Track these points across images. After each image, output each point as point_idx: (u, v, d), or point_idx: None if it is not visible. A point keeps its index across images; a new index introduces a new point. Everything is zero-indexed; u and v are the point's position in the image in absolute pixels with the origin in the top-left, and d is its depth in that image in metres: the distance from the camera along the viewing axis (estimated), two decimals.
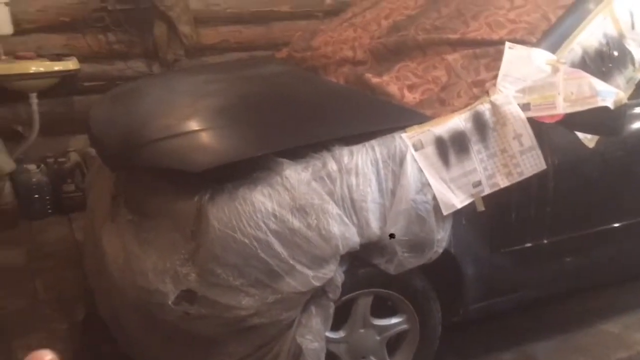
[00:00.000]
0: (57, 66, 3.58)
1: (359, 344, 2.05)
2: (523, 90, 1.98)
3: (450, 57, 2.15)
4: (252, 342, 1.78)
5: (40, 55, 3.64)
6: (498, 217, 2.04)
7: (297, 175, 1.76)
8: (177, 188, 1.82)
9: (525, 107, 1.97)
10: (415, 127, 1.92)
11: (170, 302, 1.71)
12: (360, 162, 1.82)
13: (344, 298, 1.90)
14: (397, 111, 2.06)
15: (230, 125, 2.07)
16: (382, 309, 2.06)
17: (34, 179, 3.58)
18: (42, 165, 3.69)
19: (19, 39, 3.65)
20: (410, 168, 1.85)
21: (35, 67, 3.55)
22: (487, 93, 1.99)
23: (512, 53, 2.05)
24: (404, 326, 2.10)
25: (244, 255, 1.69)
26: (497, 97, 1.96)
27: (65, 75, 3.64)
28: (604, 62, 2.17)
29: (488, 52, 2.09)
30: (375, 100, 2.16)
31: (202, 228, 1.71)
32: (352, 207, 1.79)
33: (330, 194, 1.77)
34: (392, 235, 1.81)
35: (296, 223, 1.72)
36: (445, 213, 1.88)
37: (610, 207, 2.33)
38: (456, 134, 1.92)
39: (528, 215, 2.10)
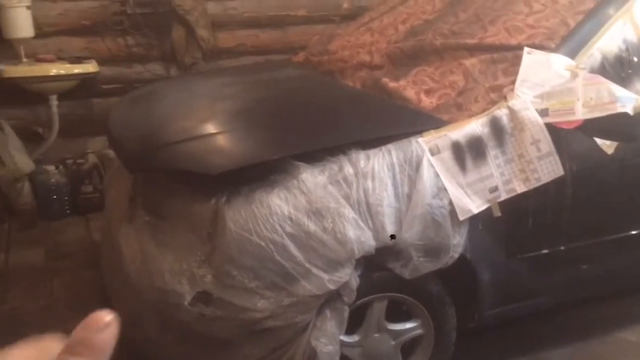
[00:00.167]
0: (77, 69, 3.63)
1: (373, 348, 2.04)
2: (541, 96, 1.97)
3: (467, 62, 2.14)
4: (267, 345, 1.79)
5: (60, 58, 3.69)
6: (515, 223, 2.03)
7: (313, 179, 1.76)
8: (194, 190, 1.84)
9: (543, 112, 1.95)
10: (432, 131, 1.92)
11: (186, 303, 1.72)
12: (377, 166, 1.82)
13: (358, 302, 1.90)
14: (414, 116, 2.06)
15: (247, 129, 2.08)
16: (397, 313, 2.06)
17: (52, 180, 3.62)
18: (61, 167, 3.73)
19: (40, 42, 3.70)
20: (426, 173, 1.85)
21: (56, 69, 3.60)
22: (504, 98, 1.98)
23: (530, 58, 2.04)
24: (419, 331, 2.10)
25: (260, 257, 1.69)
26: (514, 103, 1.95)
27: (85, 78, 3.69)
28: (623, 67, 2.15)
29: (506, 57, 2.09)
30: (391, 105, 2.16)
31: (219, 230, 1.72)
32: (368, 211, 1.79)
33: (347, 198, 1.78)
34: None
35: (312, 226, 1.72)
36: (461, 218, 1.88)
37: (628, 214, 2.30)
38: (473, 139, 1.91)
39: (545, 222, 2.09)
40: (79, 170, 3.73)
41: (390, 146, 1.86)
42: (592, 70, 2.07)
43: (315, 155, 1.83)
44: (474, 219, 1.92)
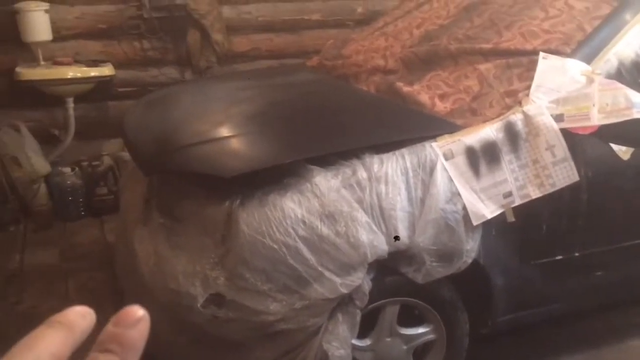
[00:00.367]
0: (94, 72, 3.67)
1: (385, 352, 2.04)
2: (557, 101, 1.96)
3: (482, 67, 2.14)
4: (279, 347, 1.79)
5: (77, 61, 3.72)
6: (529, 228, 2.02)
7: (326, 183, 1.77)
8: (208, 193, 1.85)
9: (558, 118, 1.94)
10: (446, 136, 1.92)
11: (199, 305, 1.73)
12: (390, 170, 1.82)
13: (371, 306, 1.90)
14: (428, 120, 2.06)
15: (261, 132, 2.09)
16: (409, 318, 2.05)
17: (68, 182, 3.65)
18: (77, 169, 3.76)
19: (58, 45, 3.75)
20: (440, 177, 1.85)
21: (73, 72, 3.64)
22: (519, 103, 1.98)
23: (546, 63, 2.03)
24: (431, 336, 2.09)
25: (273, 260, 1.70)
26: (529, 108, 1.94)
27: (101, 81, 3.72)
28: None
29: (521, 62, 2.08)
30: (405, 109, 2.16)
31: (232, 233, 1.73)
32: (381, 215, 1.79)
33: (360, 202, 1.78)
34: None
35: (325, 230, 1.73)
36: (475, 223, 1.87)
37: None
38: (487, 144, 1.91)
39: (559, 228, 2.07)
40: (94, 173, 3.76)
41: (404, 150, 1.86)
42: (609, 76, 2.06)
43: (329, 159, 1.83)
44: (487, 224, 1.91)
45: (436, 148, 1.88)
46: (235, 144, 2.02)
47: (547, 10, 2.26)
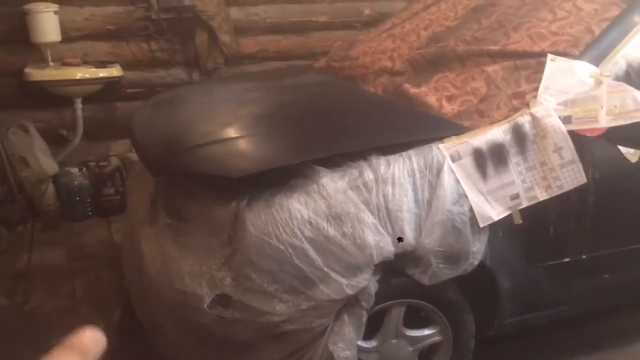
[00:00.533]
0: (102, 73, 3.69)
1: (391, 354, 2.04)
2: (565, 103, 1.96)
3: (490, 69, 2.14)
4: (285, 348, 1.79)
5: (86, 62, 3.74)
6: (536, 230, 2.01)
7: (333, 184, 1.77)
8: (215, 193, 1.85)
9: (566, 120, 1.94)
10: (453, 138, 1.91)
11: (205, 306, 1.73)
12: (397, 172, 1.82)
13: (376, 307, 1.90)
14: (435, 122, 2.06)
15: (268, 133, 2.10)
16: (415, 319, 2.05)
17: (75, 182, 3.67)
18: (84, 169, 3.78)
19: (67, 46, 3.77)
20: (447, 179, 1.84)
21: (81, 73, 3.66)
22: (527, 105, 1.97)
23: (554, 65, 2.03)
24: (437, 338, 2.09)
25: (279, 261, 1.70)
26: (537, 110, 1.94)
27: (109, 82, 3.74)
28: None
29: (529, 64, 2.07)
30: (412, 111, 2.16)
31: (239, 233, 1.73)
32: (388, 217, 1.79)
33: (366, 203, 1.78)
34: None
35: (331, 231, 1.73)
36: (481, 225, 1.87)
37: None
38: (495, 146, 1.90)
39: (567, 230, 2.06)
40: (101, 173, 3.78)
41: (411, 152, 1.86)
42: (617, 78, 2.05)
43: (336, 161, 1.84)
44: (494, 226, 1.90)
45: (443, 150, 1.88)
46: (243, 144, 2.02)
47: (555, 12, 2.25)
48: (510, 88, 2.05)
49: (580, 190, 1.97)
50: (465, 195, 1.86)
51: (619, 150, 2.06)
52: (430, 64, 2.35)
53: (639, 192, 2.16)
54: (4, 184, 3.52)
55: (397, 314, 1.99)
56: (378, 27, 3.09)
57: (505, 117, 1.97)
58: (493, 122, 1.96)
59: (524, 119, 1.94)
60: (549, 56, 2.05)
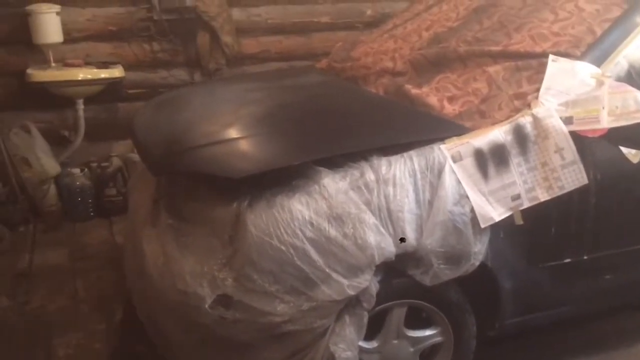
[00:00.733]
0: (104, 73, 3.70)
1: (392, 354, 2.04)
2: (566, 104, 1.96)
3: (491, 69, 2.14)
4: (286, 349, 1.79)
5: (87, 63, 3.76)
6: (537, 231, 2.01)
7: (334, 184, 1.77)
8: (216, 194, 1.85)
9: (567, 120, 1.94)
10: (454, 138, 1.92)
11: (206, 306, 1.73)
12: (398, 172, 1.82)
13: (378, 308, 1.90)
14: (436, 122, 2.06)
15: (269, 134, 2.10)
16: (416, 320, 2.05)
17: (77, 183, 3.68)
18: (86, 170, 3.79)
19: (69, 47, 3.78)
20: (448, 179, 1.84)
21: (83, 74, 3.67)
22: (528, 106, 1.97)
23: (555, 66, 2.03)
24: (438, 338, 2.09)
25: (280, 262, 1.70)
26: (538, 110, 1.94)
27: (111, 83, 3.75)
28: None
29: (530, 65, 2.07)
30: (414, 112, 2.16)
31: (240, 234, 1.73)
32: (389, 217, 1.79)
33: (367, 204, 1.78)
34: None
35: (332, 232, 1.73)
36: (483, 226, 1.87)
37: None
38: (496, 147, 1.90)
39: (568, 231, 2.06)
40: (103, 174, 3.79)
41: (412, 152, 1.86)
42: (619, 79, 2.05)
43: (337, 161, 1.84)
44: (495, 227, 1.90)
45: (444, 150, 1.88)
46: (244, 145, 2.03)
47: (556, 12, 2.25)
48: (512, 89, 2.05)
49: (581, 191, 1.96)
50: (467, 196, 1.86)
51: (620, 151, 2.06)
52: (432, 64, 2.35)
53: None
54: (6, 184, 3.53)
55: (399, 314, 1.99)
56: (380, 28, 3.09)
57: (507, 118, 1.97)
58: (494, 123, 1.96)
59: (525, 120, 1.94)
60: (551, 57, 2.05)
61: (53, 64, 3.69)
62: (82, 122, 3.79)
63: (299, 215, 1.72)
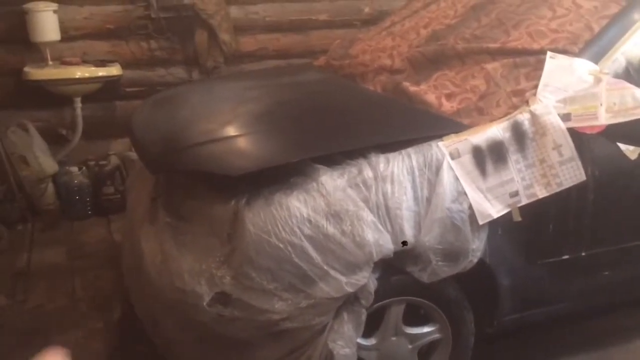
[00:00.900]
0: (101, 72, 3.69)
1: (390, 351, 2.04)
2: (564, 101, 1.96)
3: (489, 66, 2.14)
4: (284, 346, 1.79)
5: (85, 61, 3.75)
6: (535, 228, 2.01)
7: (332, 182, 1.77)
8: (214, 192, 1.85)
9: (565, 117, 1.94)
10: (453, 135, 1.92)
11: (204, 304, 1.73)
12: (396, 169, 1.82)
13: (376, 305, 1.90)
14: (434, 120, 2.06)
15: (267, 131, 2.09)
16: (414, 317, 2.05)
17: (75, 181, 3.68)
18: (84, 168, 3.79)
19: (66, 45, 3.77)
20: (446, 176, 1.84)
21: (81, 72, 3.66)
22: (526, 103, 1.97)
23: (553, 63, 2.03)
24: (437, 335, 2.09)
25: (279, 259, 1.70)
26: (536, 107, 1.94)
27: (109, 81, 3.75)
28: None
29: (528, 62, 2.07)
30: (412, 109, 2.16)
31: (238, 232, 1.73)
32: (387, 215, 1.79)
33: (365, 201, 1.78)
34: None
35: (330, 229, 1.73)
36: (481, 223, 1.87)
37: None
38: (494, 144, 1.90)
39: (566, 227, 2.06)
40: (101, 172, 3.78)
41: (410, 150, 1.86)
42: (616, 75, 2.05)
43: (335, 159, 1.84)
44: (493, 224, 1.91)
45: (442, 147, 1.88)
46: (242, 143, 2.02)
47: (554, 9, 2.25)
48: (510, 86, 2.05)
49: (579, 188, 1.97)
50: (465, 193, 1.86)
51: (618, 148, 2.07)
52: (430, 62, 2.34)
53: (638, 189, 2.16)
54: (3, 183, 3.53)
55: (397, 311, 1.99)
56: (378, 25, 3.09)
57: (505, 115, 1.97)
58: (492, 120, 1.96)
59: (523, 117, 1.94)
60: (549, 54, 2.05)
61: (50, 62, 3.68)
62: (79, 121, 3.79)
63: (297, 212, 1.72)
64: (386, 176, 1.81)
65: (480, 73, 2.15)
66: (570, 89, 1.98)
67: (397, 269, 1.88)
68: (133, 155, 3.49)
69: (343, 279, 1.73)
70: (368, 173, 1.81)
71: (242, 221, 1.72)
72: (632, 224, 2.22)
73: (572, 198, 2.01)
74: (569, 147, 1.92)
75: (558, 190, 1.93)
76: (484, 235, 1.90)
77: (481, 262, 1.93)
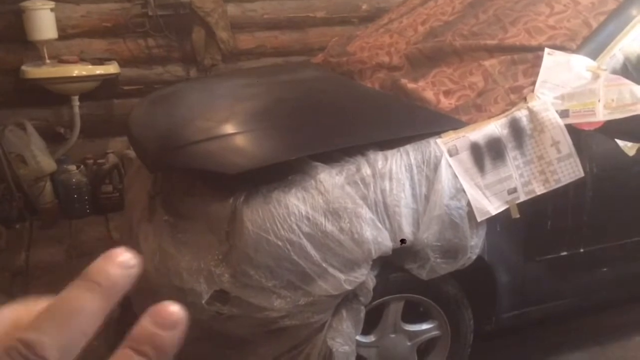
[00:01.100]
0: (99, 70, 3.68)
1: (389, 348, 2.04)
2: (562, 97, 1.96)
3: (487, 63, 2.13)
4: (283, 344, 1.79)
5: (82, 59, 3.74)
6: (533, 224, 2.01)
7: (331, 179, 1.77)
8: (212, 190, 1.85)
9: (563, 113, 1.94)
10: (451, 132, 1.91)
11: (203, 302, 1.73)
12: (395, 167, 1.82)
13: (375, 302, 1.90)
14: (433, 117, 2.05)
15: (265, 129, 2.09)
16: (413, 314, 2.05)
17: (73, 180, 3.67)
18: (82, 166, 3.78)
19: (63, 44, 3.76)
20: (444, 173, 1.84)
21: (78, 70, 3.65)
22: (524, 99, 1.97)
23: (551, 59, 2.03)
24: (435, 332, 2.09)
25: (277, 257, 1.70)
26: (534, 104, 1.94)
27: (106, 79, 3.73)
28: None
29: (526, 58, 2.07)
30: (410, 106, 2.16)
31: (237, 230, 1.73)
32: (385, 212, 1.79)
33: (364, 198, 1.78)
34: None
35: (329, 226, 1.73)
36: (479, 219, 1.87)
37: None
38: (492, 140, 1.90)
39: (564, 224, 2.07)
40: (99, 170, 3.77)
41: (409, 147, 1.86)
42: (614, 72, 2.05)
43: (333, 156, 1.83)
44: (492, 221, 1.90)
45: (440, 144, 1.88)
46: (240, 141, 2.02)
47: (552, 6, 2.25)
48: (508, 82, 2.05)
49: (577, 184, 1.97)
50: (463, 190, 1.86)
51: (616, 144, 2.06)
52: (428, 58, 2.34)
53: (636, 186, 2.17)
54: (1, 182, 3.52)
55: (396, 308, 1.99)
56: (375, 22, 3.08)
57: (503, 112, 1.96)
58: (490, 117, 1.96)
59: (521, 113, 1.94)
60: (547, 50, 2.05)
61: (48, 61, 3.66)
62: (77, 119, 3.78)
63: (296, 210, 1.72)
64: (384, 173, 1.81)
65: (478, 70, 2.15)
66: (568, 85, 1.97)
67: (395, 266, 1.88)
68: (131, 153, 3.48)
69: (342, 276, 1.73)
70: (366, 170, 1.80)
71: (240, 219, 1.72)
72: (631, 220, 2.22)
73: (570, 194, 2.01)
74: (567, 144, 1.92)
75: (556, 186, 1.93)
76: (482, 232, 1.90)
77: (480, 259, 1.93)
